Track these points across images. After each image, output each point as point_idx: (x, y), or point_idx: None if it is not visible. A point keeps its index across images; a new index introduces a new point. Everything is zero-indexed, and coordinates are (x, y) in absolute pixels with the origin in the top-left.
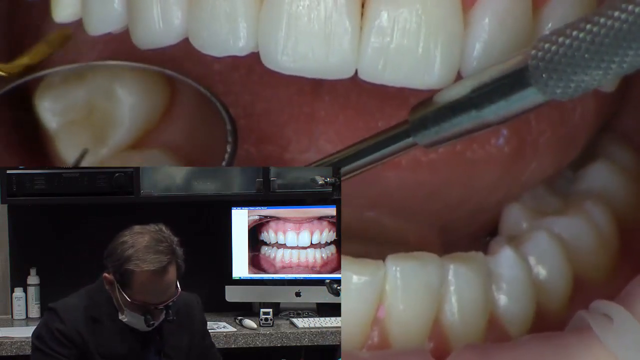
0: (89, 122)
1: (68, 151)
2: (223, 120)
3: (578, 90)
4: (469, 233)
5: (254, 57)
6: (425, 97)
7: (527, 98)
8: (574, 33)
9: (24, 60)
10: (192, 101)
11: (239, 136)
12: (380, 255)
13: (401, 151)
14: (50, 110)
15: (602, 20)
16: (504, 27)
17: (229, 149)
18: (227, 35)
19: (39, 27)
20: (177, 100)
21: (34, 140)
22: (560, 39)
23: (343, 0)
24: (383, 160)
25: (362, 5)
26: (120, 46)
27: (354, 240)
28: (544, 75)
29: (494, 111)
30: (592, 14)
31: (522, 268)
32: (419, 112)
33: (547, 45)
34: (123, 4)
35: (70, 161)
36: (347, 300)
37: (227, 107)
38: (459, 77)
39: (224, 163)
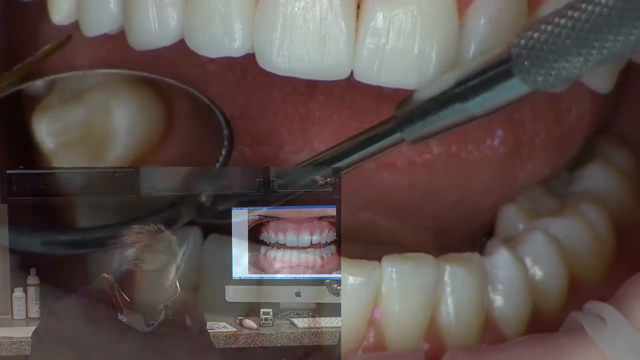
0: (86, 142)
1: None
2: (220, 125)
3: (559, 78)
4: (464, 234)
5: (249, 58)
6: (411, 92)
7: (512, 88)
8: (556, 20)
9: (11, 77)
10: (190, 117)
11: (233, 137)
12: (375, 256)
13: (389, 147)
14: (47, 131)
15: (583, 5)
16: (500, 27)
17: (223, 152)
18: (222, 36)
19: (35, 27)
20: (174, 117)
21: (26, 146)
22: (543, 26)
23: (338, 2)
24: (372, 157)
25: (358, 7)
26: (114, 47)
27: (348, 240)
28: (526, 63)
29: (479, 103)
30: (577, 1)
31: (518, 269)
32: (405, 106)
33: (529, 33)
34: (119, 5)
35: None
36: (343, 301)
37: (224, 113)
38: None
39: (217, 165)
